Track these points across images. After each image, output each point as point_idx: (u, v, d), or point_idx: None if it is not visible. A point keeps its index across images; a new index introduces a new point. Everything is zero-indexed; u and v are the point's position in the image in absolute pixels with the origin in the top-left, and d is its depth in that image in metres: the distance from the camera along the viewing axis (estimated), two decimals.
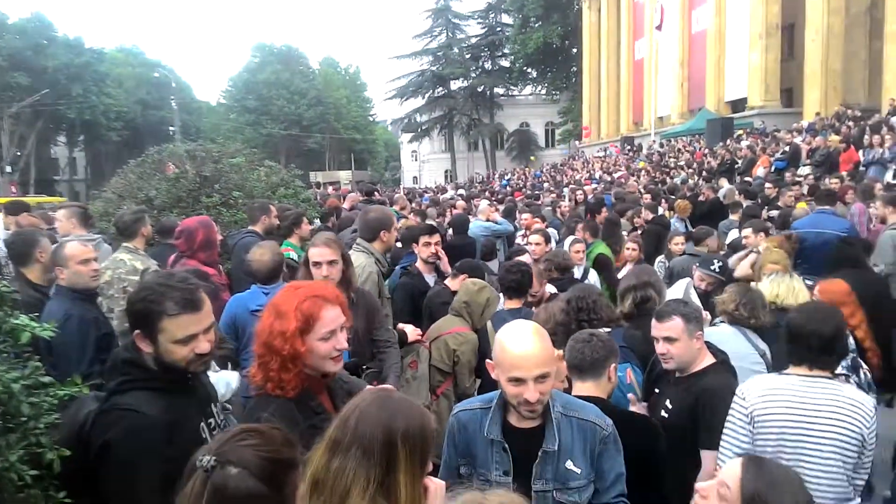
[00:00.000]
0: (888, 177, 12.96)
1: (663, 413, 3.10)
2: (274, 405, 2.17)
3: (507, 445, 2.30)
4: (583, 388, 2.79)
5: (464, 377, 3.97)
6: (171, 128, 48.50)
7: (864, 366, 4.19)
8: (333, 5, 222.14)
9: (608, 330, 3.79)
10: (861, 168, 14.32)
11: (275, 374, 2.19)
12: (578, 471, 2.27)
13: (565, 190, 19.61)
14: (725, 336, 3.84)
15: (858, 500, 2.76)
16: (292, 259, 5.64)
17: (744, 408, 2.83)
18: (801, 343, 2.85)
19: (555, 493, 2.27)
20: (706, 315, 4.35)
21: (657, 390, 3.29)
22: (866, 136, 15.30)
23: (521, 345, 2.20)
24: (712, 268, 5.16)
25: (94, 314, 3.80)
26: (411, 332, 3.97)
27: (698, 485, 1.88)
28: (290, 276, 4.56)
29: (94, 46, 54.23)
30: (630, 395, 3.26)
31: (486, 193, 21.80)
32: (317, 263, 3.55)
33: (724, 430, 2.85)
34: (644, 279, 4.13)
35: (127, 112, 55.34)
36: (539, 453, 2.26)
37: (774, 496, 1.71)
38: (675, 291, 5.27)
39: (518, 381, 2.18)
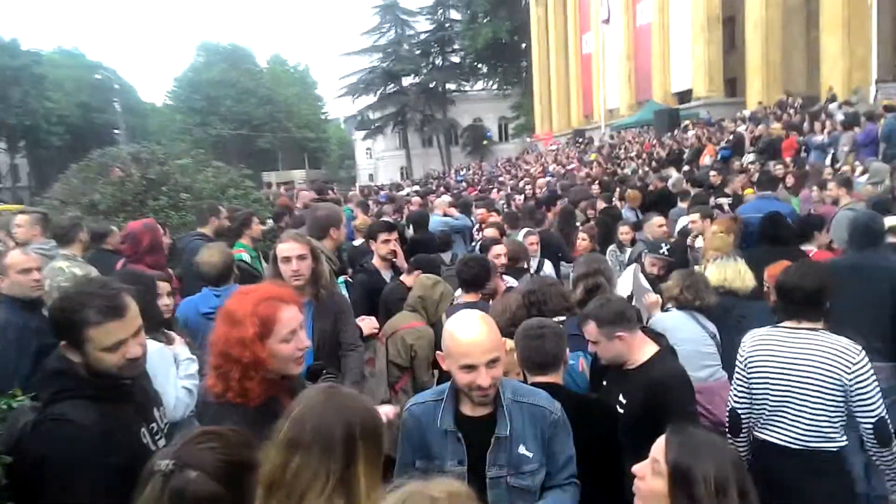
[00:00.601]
0: (827, 161, 13.43)
1: (619, 409, 3.13)
2: (237, 415, 2.11)
3: (460, 435, 2.32)
4: (543, 378, 2.81)
5: (422, 371, 3.97)
6: (115, 131, 47.23)
7: None
8: (279, 2, 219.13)
9: (563, 318, 3.85)
10: (802, 154, 14.80)
11: (236, 383, 2.14)
12: (531, 455, 2.31)
13: (520, 183, 19.76)
14: (676, 321, 3.93)
15: (844, 440, 3.00)
16: (244, 261, 5.56)
17: (741, 357, 3.23)
18: (789, 299, 3.14)
19: (508, 478, 2.30)
20: (656, 299, 4.45)
21: (605, 382, 3.32)
22: (806, 123, 15.84)
23: (470, 332, 2.25)
24: (661, 251, 5.28)
25: (35, 323, 3.67)
26: (367, 325, 3.94)
27: (635, 467, 1.91)
28: (242, 278, 4.49)
29: (31, 48, 52.43)
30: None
31: (442, 189, 21.86)
32: (286, 259, 3.49)
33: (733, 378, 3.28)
34: (594, 267, 4.19)
35: (69, 116, 53.58)
36: (492, 440, 2.29)
37: (697, 462, 1.76)
38: (624, 278, 5.39)
39: (470, 367, 2.22)
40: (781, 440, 3.09)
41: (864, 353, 2.98)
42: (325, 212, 4.37)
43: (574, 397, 2.88)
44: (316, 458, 1.65)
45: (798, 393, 3.02)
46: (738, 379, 3.26)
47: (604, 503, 2.59)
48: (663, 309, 4.30)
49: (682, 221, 7.48)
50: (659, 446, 1.87)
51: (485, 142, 55.19)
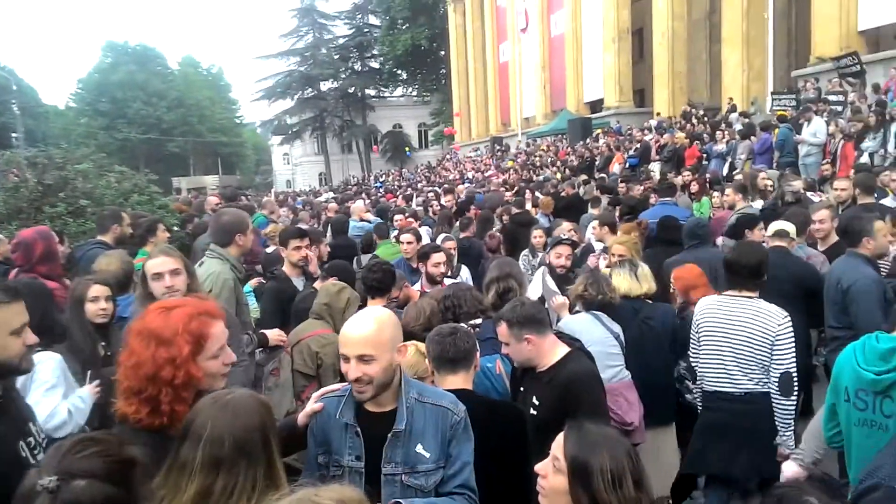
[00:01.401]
0: (725, 169, 14.19)
1: (532, 410, 3.18)
2: (144, 438, 1.97)
3: (359, 429, 2.33)
4: (454, 381, 2.82)
5: (328, 379, 3.90)
6: (14, 134, 44.38)
7: None
8: (191, 2, 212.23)
9: (479, 322, 3.89)
10: (704, 162, 15.58)
11: (167, 407, 2.02)
12: (427, 455, 2.31)
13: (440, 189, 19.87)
14: (582, 323, 4.03)
15: (776, 386, 3.65)
16: None
17: (695, 322, 4.00)
18: (734, 272, 3.87)
19: (403, 476, 2.29)
20: (563, 301, 4.55)
21: (522, 388, 3.38)
22: (707, 133, 16.70)
23: (353, 325, 2.31)
24: (564, 239, 5.52)
25: None
26: (272, 335, 3.85)
27: (537, 466, 1.95)
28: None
29: None
30: None
31: (363, 195, 21.73)
32: (157, 275, 3.24)
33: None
34: (506, 271, 4.27)
35: None
36: (389, 436, 2.30)
37: (593, 454, 1.82)
38: (534, 282, 5.52)
39: (345, 358, 2.28)
40: (725, 387, 3.81)
41: (787, 317, 3.70)
42: (229, 217, 4.22)
43: (483, 402, 2.91)
44: (242, 471, 1.67)
45: (737, 347, 3.75)
46: (692, 341, 4.03)
47: None
48: (571, 310, 4.41)
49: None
50: (558, 443, 1.91)
51: (406, 149, 55.14)
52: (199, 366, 2.08)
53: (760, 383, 3.73)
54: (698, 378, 4.00)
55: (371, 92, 63.55)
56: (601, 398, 3.24)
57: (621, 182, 12.36)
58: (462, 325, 3.13)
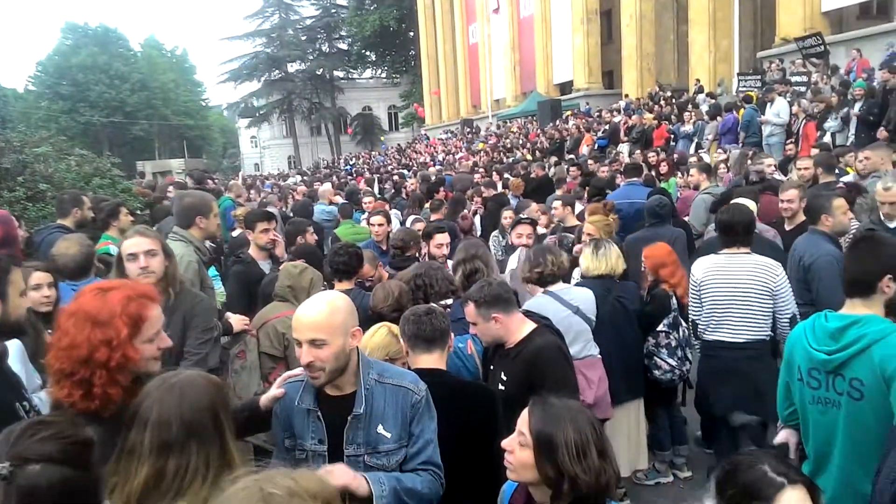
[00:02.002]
0: (692, 149, 14.35)
1: (501, 387, 3.21)
2: (94, 425, 1.91)
3: (320, 414, 2.33)
4: (428, 360, 2.83)
5: (297, 361, 3.88)
6: None
7: (683, 323, 4.66)
8: None
9: (449, 302, 3.89)
10: (671, 143, 15.73)
11: (99, 389, 1.99)
12: (389, 435, 2.33)
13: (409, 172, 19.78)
14: (539, 305, 4.03)
15: (770, 332, 4.11)
16: (110, 254, 5.22)
17: (694, 282, 4.36)
18: (730, 232, 4.25)
19: (365, 457, 2.31)
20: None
21: (492, 366, 3.40)
22: (674, 114, 16.85)
23: (306, 309, 2.29)
24: (524, 218, 5.59)
25: None
26: (236, 321, 3.79)
27: (504, 442, 1.97)
28: (108, 272, 4.21)
29: None
30: None
31: (334, 178, 21.55)
32: (132, 255, 3.19)
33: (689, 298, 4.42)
34: (472, 252, 4.27)
35: None
36: (349, 418, 2.30)
37: (557, 427, 1.86)
38: (511, 263, 5.55)
39: (298, 342, 2.27)
40: (729, 337, 4.20)
41: (782, 268, 4.14)
42: (191, 199, 4.15)
43: (455, 382, 2.93)
44: (194, 453, 1.65)
45: (740, 300, 4.14)
46: (693, 298, 4.40)
47: (484, 485, 2.65)
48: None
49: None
50: (523, 418, 1.94)
51: (382, 138, 54.52)
52: (136, 348, 2.06)
53: (759, 332, 4.15)
54: (700, 329, 4.39)
55: (339, 74, 62.82)
56: (566, 371, 3.28)
57: (590, 162, 12.43)
58: (435, 305, 3.13)
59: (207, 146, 68.36)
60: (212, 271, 5.34)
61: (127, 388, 2.07)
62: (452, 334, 3.00)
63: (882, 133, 10.24)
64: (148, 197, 9.39)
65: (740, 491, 1.74)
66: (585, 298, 4.16)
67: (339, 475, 2.10)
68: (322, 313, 2.26)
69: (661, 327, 4.65)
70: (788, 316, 4.08)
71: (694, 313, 4.43)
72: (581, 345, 4.03)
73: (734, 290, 4.17)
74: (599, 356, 4.14)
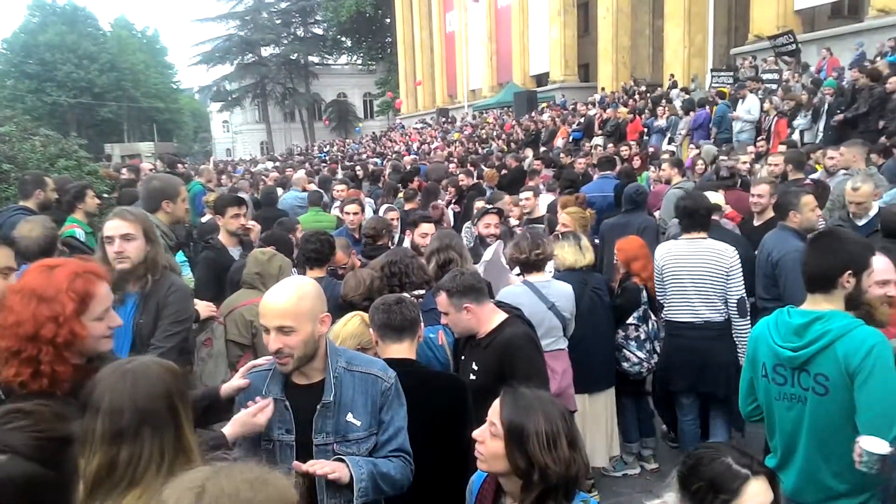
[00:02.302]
0: (664, 143, 14.48)
1: (472, 377, 3.21)
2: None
3: (287, 403, 2.30)
4: (399, 349, 2.81)
5: (265, 349, 3.82)
6: None
7: (653, 316, 4.71)
8: None
9: (422, 292, 3.86)
10: (645, 137, 15.86)
11: (47, 367, 1.97)
12: (359, 423, 2.31)
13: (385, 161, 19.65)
14: (518, 296, 4.02)
15: (735, 310, 4.35)
16: (75, 237, 5.10)
17: (658, 266, 4.59)
18: (692, 216, 4.50)
19: (335, 445, 2.29)
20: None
21: (463, 357, 3.40)
22: (648, 109, 16.99)
23: (273, 296, 2.25)
24: (491, 208, 5.65)
25: None
26: (203, 308, 3.70)
27: (475, 433, 1.97)
28: (72, 256, 4.10)
29: None
30: None
31: (307, 165, 21.33)
32: (108, 238, 3.10)
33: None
34: (446, 242, 4.25)
35: None
36: (318, 407, 2.28)
37: (528, 418, 1.86)
38: (487, 252, 5.53)
39: (265, 329, 2.23)
40: (689, 318, 4.45)
41: (736, 252, 4.38)
42: (159, 183, 4.05)
43: (424, 372, 2.92)
44: (147, 441, 1.60)
45: (698, 282, 4.39)
46: (656, 281, 4.63)
47: (453, 476, 2.64)
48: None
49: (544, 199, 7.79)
50: (494, 409, 1.94)
51: (359, 125, 53.91)
52: (83, 324, 2.04)
53: (717, 312, 4.40)
54: (664, 310, 4.62)
55: (314, 59, 62.10)
56: (537, 361, 3.28)
57: (563, 155, 12.49)
58: (406, 294, 3.10)
59: (178, 130, 67.16)
60: (180, 257, 5.25)
61: (79, 369, 2.04)
62: (422, 324, 2.99)
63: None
64: (115, 180, 9.19)
65: (706, 484, 1.75)
66: (563, 294, 4.17)
67: (321, 468, 2.11)
68: (290, 299, 2.22)
69: (630, 320, 4.70)
70: (736, 298, 4.34)
71: (659, 295, 4.65)
72: (551, 339, 4.05)
73: (693, 273, 4.42)
74: (566, 349, 4.17)
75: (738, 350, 4.34)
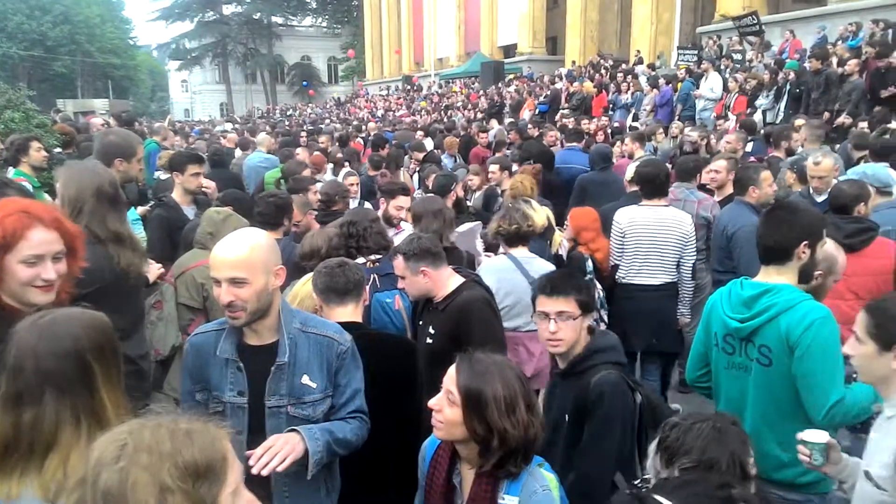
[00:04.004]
0: (629, 119, 14.57)
1: (428, 340, 3.20)
2: None
3: (241, 364, 2.23)
4: (343, 312, 2.76)
5: (216, 312, 3.72)
6: None
7: (599, 285, 4.73)
8: None
9: (379, 257, 3.80)
10: (609, 112, 15.91)
11: None
12: (314, 385, 2.26)
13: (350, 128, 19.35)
14: (497, 268, 4.00)
15: (687, 274, 4.65)
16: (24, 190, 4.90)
17: (619, 230, 4.69)
18: (652, 184, 4.65)
19: (289, 408, 2.23)
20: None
21: (421, 322, 3.38)
22: (613, 84, 17.04)
23: (224, 247, 2.16)
24: (402, 189, 5.56)
25: None
26: (152, 269, 3.53)
27: (431, 402, 1.94)
28: None
29: None
30: None
31: (268, 128, 20.87)
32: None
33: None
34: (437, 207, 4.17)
35: None
36: (272, 368, 2.22)
37: (485, 383, 1.85)
38: (461, 227, 5.46)
39: (216, 280, 2.15)
40: (647, 280, 4.62)
41: (691, 219, 4.67)
42: (114, 139, 3.88)
43: (372, 335, 2.89)
44: (51, 403, 1.48)
45: (658, 247, 4.58)
46: (615, 244, 4.73)
47: (403, 438, 2.63)
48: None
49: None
50: (450, 376, 1.91)
51: (311, 93, 52.67)
52: (4, 264, 1.93)
53: (671, 275, 4.62)
54: (620, 275, 4.73)
55: (278, 20, 60.57)
56: (493, 325, 3.27)
57: (531, 126, 12.45)
58: (348, 259, 3.04)
59: (134, 88, 64.87)
60: (132, 214, 5.08)
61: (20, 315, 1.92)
62: (367, 287, 2.94)
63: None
64: (69, 134, 8.83)
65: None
66: (545, 271, 4.11)
67: (278, 457, 2.02)
68: (242, 250, 2.14)
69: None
70: (690, 263, 4.63)
71: (615, 258, 4.75)
72: (528, 317, 4.01)
73: (654, 238, 4.58)
74: None
75: (681, 307, 4.70)
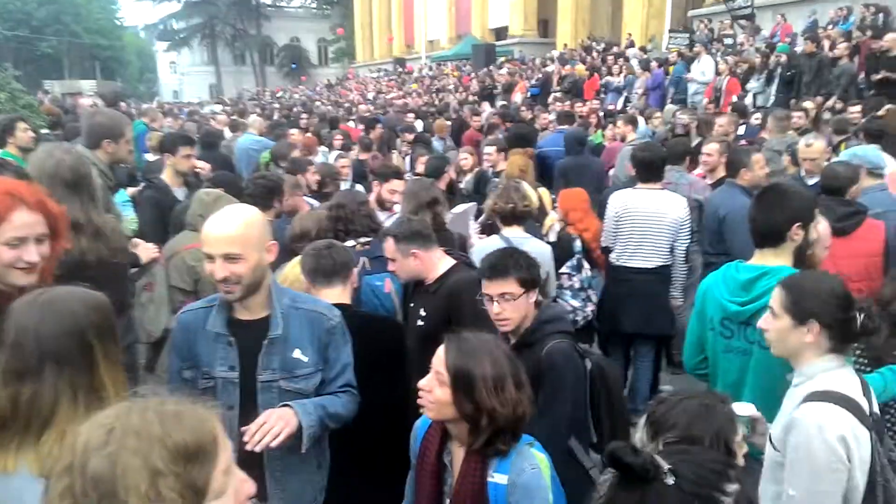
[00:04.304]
0: (620, 102, 14.54)
1: (420, 322, 3.20)
2: None
3: (232, 339, 2.24)
4: (330, 294, 2.76)
5: (207, 294, 3.71)
6: None
7: (587, 264, 4.78)
8: None
9: (368, 239, 3.80)
10: (601, 95, 15.88)
11: None
12: (306, 359, 2.28)
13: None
14: (489, 249, 3.99)
15: (681, 258, 4.63)
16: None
17: (613, 213, 4.70)
18: (647, 168, 4.66)
19: (281, 382, 2.25)
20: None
21: (412, 304, 3.37)
22: (605, 67, 17.00)
23: (217, 224, 2.17)
24: (396, 174, 5.54)
25: None
26: (144, 251, 3.53)
27: (420, 382, 1.94)
28: None
29: None
30: None
31: (258, 110, 20.71)
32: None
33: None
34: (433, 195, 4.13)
35: None
36: (264, 342, 2.23)
37: (473, 363, 1.87)
38: (456, 208, 5.45)
39: (209, 257, 2.16)
40: (641, 263, 4.62)
41: (686, 203, 4.62)
42: (102, 119, 3.82)
43: (360, 315, 2.89)
44: (51, 379, 1.49)
45: (653, 230, 4.57)
46: (608, 227, 4.75)
47: (391, 418, 2.64)
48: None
49: None
50: (439, 357, 1.92)
51: (303, 77, 52.06)
52: None
53: (664, 259, 4.61)
54: (613, 258, 4.77)
55: (266, 0, 59.79)
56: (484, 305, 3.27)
57: (524, 109, 12.43)
58: (336, 241, 3.03)
59: (122, 69, 64.02)
60: (122, 196, 5.05)
61: (4, 296, 1.92)
62: (356, 270, 2.93)
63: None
64: (55, 115, 8.73)
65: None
66: (540, 252, 4.08)
67: (272, 433, 2.04)
68: (237, 227, 2.15)
69: (564, 269, 4.70)
70: (684, 247, 4.62)
71: (607, 241, 4.78)
72: None
73: (648, 221, 4.59)
74: None
75: (673, 290, 4.72)
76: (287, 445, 2.12)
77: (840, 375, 2.09)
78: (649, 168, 4.68)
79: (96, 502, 0.99)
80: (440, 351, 1.92)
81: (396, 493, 2.25)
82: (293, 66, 53.22)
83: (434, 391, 1.89)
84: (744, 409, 2.22)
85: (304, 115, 13.68)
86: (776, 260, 2.62)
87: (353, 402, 2.40)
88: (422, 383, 1.93)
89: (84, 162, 3.10)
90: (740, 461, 1.75)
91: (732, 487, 1.22)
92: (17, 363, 1.50)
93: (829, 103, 10.01)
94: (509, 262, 2.58)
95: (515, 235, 4.02)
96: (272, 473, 2.25)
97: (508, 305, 2.54)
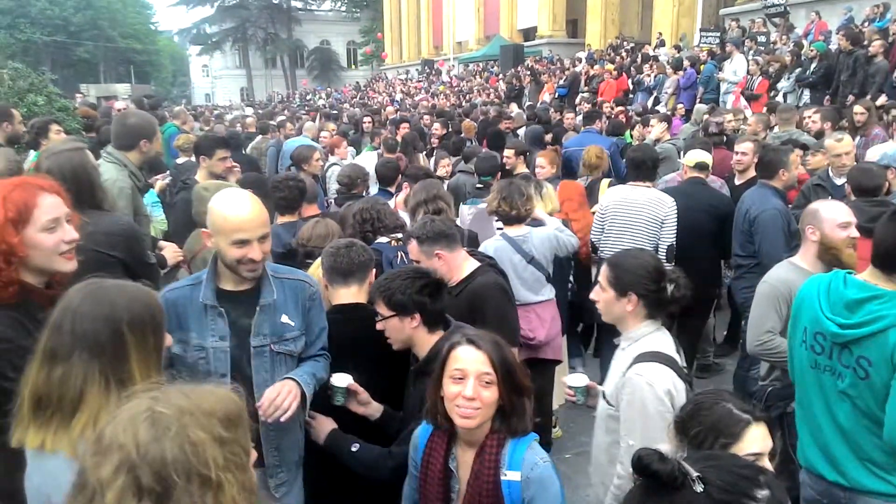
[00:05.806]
0: (650, 102, 14.37)
1: None
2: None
3: (222, 310, 2.33)
4: (347, 294, 2.76)
5: None
6: None
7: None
8: None
9: (399, 235, 3.79)
10: (630, 95, 15.72)
11: None
12: (293, 323, 2.42)
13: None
14: (493, 249, 4.00)
15: (664, 255, 4.59)
16: None
17: (602, 206, 4.94)
18: (640, 167, 4.88)
19: (272, 345, 2.38)
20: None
21: None
22: (634, 67, 16.81)
23: (243, 209, 2.27)
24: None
25: None
26: (170, 253, 3.58)
27: (466, 392, 1.94)
28: None
29: None
30: None
31: (286, 112, 20.93)
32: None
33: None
34: (433, 193, 4.14)
35: None
36: (257, 308, 2.36)
37: (505, 350, 2.02)
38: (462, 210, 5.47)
39: (243, 242, 2.25)
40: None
41: (674, 202, 4.69)
42: (137, 119, 3.89)
43: (372, 317, 2.85)
44: (82, 363, 1.54)
45: (636, 226, 4.70)
46: (596, 221, 4.95)
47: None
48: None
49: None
50: (481, 360, 1.96)
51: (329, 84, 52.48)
52: (19, 234, 1.95)
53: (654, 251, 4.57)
54: (599, 251, 4.90)
55: (297, 4, 60.50)
56: (507, 310, 3.28)
57: (553, 111, 12.36)
58: (357, 240, 3.02)
59: (156, 73, 65.30)
60: (152, 196, 5.13)
61: (37, 292, 2.00)
62: (374, 271, 2.89)
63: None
64: (91, 118, 8.90)
65: (706, 429, 1.76)
66: (540, 242, 4.11)
67: (284, 405, 2.21)
68: (259, 208, 2.30)
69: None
70: (667, 245, 4.67)
71: (595, 235, 4.96)
72: (537, 290, 4.10)
73: (632, 218, 4.74)
74: (553, 298, 4.20)
75: None
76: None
77: (658, 337, 2.41)
78: (638, 168, 4.88)
79: (177, 486, 1.03)
80: (477, 356, 1.94)
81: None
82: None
83: (481, 396, 1.91)
84: (577, 380, 2.63)
85: (366, 119, 13.23)
86: (889, 284, 2.37)
87: (327, 363, 2.57)
88: (467, 393, 1.90)
89: (85, 162, 3.08)
90: (766, 464, 1.72)
91: (763, 493, 1.19)
92: (52, 343, 1.57)
93: (880, 102, 9.73)
94: (377, 287, 2.54)
95: (517, 233, 4.08)
96: (266, 436, 2.37)
97: (384, 325, 2.51)
